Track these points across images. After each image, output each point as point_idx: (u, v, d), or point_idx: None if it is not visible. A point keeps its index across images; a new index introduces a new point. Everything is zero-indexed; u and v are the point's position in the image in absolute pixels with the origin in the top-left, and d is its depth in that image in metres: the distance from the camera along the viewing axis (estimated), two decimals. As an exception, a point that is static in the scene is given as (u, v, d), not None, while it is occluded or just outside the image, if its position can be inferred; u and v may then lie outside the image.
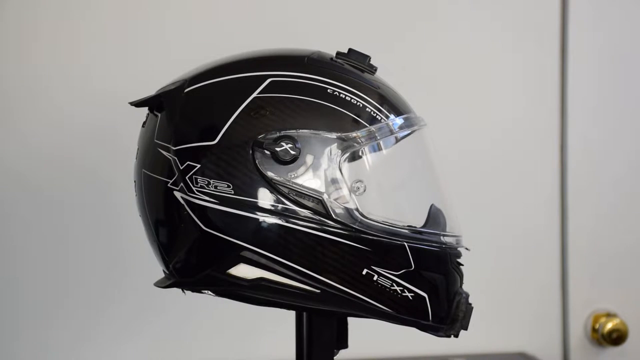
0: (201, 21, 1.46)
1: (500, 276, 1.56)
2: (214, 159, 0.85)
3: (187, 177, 0.85)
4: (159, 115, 0.90)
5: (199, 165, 0.85)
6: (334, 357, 0.95)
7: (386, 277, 0.86)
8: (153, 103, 0.91)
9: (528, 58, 1.57)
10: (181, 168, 0.86)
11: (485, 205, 1.54)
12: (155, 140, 0.89)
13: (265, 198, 0.84)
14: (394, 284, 0.86)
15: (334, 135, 0.85)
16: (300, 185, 0.84)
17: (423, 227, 0.91)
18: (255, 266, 0.85)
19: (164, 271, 0.93)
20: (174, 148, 0.87)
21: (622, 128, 1.59)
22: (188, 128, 0.87)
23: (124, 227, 1.39)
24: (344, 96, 0.87)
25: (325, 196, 0.84)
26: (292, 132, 0.84)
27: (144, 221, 0.93)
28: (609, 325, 1.56)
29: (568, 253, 1.58)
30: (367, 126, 0.87)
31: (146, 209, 0.91)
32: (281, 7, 1.48)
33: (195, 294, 0.91)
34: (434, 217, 0.92)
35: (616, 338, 1.56)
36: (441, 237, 0.90)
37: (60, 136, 1.41)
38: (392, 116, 0.89)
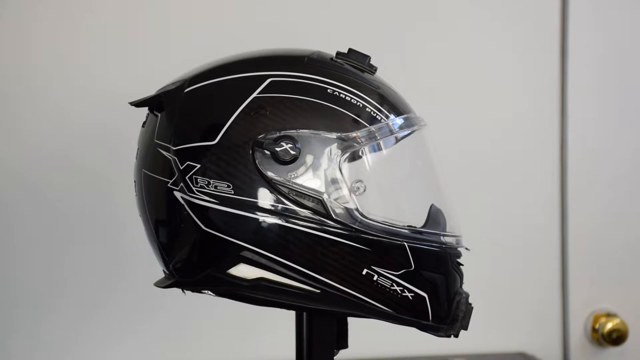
0: (201, 21, 1.46)
1: (500, 276, 1.56)
2: (214, 159, 0.85)
3: (187, 177, 0.85)
4: (159, 115, 0.90)
5: (199, 165, 0.85)
6: (334, 357, 0.95)
7: (386, 277, 0.86)
8: (153, 103, 0.91)
9: (528, 58, 1.57)
10: (181, 168, 0.86)
11: (485, 205, 1.54)
12: (155, 140, 0.89)
13: (265, 198, 0.84)
14: (394, 284, 0.86)
15: (334, 135, 0.85)
16: (300, 185, 0.84)
17: (423, 227, 0.91)
18: (255, 266, 0.85)
19: (164, 271, 0.93)
20: (174, 148, 0.87)
21: (622, 128, 1.59)
22: (188, 128, 0.87)
23: (124, 227, 1.39)
24: (344, 96, 0.87)
25: (325, 196, 0.84)
26: (292, 132, 0.84)
27: (144, 221, 0.93)
28: (609, 325, 1.56)
29: (568, 253, 1.58)
30: (367, 126, 0.87)
31: (146, 209, 0.91)
32: (281, 7, 1.48)
33: (195, 294, 0.91)
34: (434, 217, 0.92)
35: (616, 338, 1.56)
36: (441, 237, 0.90)
37: (60, 136, 1.41)
38: (392, 116, 0.89)
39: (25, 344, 1.43)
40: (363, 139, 0.86)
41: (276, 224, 0.84)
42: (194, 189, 0.85)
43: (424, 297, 0.88)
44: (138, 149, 0.93)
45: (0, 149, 1.41)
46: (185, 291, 0.91)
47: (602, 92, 1.58)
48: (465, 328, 0.91)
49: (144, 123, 0.94)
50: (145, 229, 0.93)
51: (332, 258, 0.85)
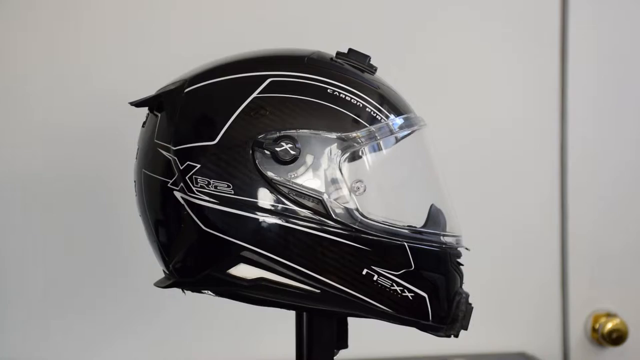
0: (201, 21, 1.46)
1: (500, 276, 1.56)
2: (214, 158, 0.85)
3: (187, 177, 0.85)
4: (159, 115, 0.90)
5: (199, 165, 0.85)
6: (334, 357, 0.95)
7: (386, 277, 0.86)
8: (153, 103, 0.91)
9: (528, 58, 1.57)
10: (181, 168, 0.86)
11: (485, 205, 1.54)
12: (155, 140, 0.89)
13: (265, 198, 0.84)
14: (394, 284, 0.86)
15: (334, 135, 0.85)
16: (300, 185, 0.84)
17: (423, 227, 0.91)
18: (255, 266, 0.85)
19: (164, 271, 0.93)
20: (174, 148, 0.87)
21: (622, 128, 1.59)
22: (188, 128, 0.87)
23: (124, 227, 1.39)
24: (344, 96, 0.87)
25: (325, 196, 0.84)
26: (292, 132, 0.84)
27: (144, 221, 0.93)
28: (609, 325, 1.56)
29: (568, 253, 1.58)
30: (367, 126, 0.87)
31: (146, 209, 0.91)
32: (281, 7, 1.48)
33: (195, 294, 0.91)
34: (434, 217, 0.92)
35: (616, 338, 1.56)
36: (441, 237, 0.90)
37: (60, 136, 1.41)
38: (392, 116, 0.89)
39: (25, 344, 1.43)
40: (363, 139, 0.86)
41: (276, 224, 0.84)
42: (194, 189, 0.85)
43: (424, 297, 0.88)
44: (138, 149, 0.93)
45: (0, 149, 1.41)
46: (185, 291, 0.91)
47: (602, 92, 1.58)
48: (465, 328, 0.91)
49: (144, 123, 0.94)
50: (145, 229, 0.93)
51: (332, 258, 0.85)
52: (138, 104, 0.92)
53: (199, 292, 0.90)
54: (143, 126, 0.94)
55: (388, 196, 0.91)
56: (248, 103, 0.85)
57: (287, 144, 0.84)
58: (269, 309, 0.89)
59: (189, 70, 0.93)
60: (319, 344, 0.93)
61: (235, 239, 0.85)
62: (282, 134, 0.84)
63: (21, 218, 1.42)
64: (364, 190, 0.86)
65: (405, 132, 0.92)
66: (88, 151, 1.42)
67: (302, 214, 0.84)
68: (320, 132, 0.85)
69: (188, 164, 0.85)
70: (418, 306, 0.87)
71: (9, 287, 1.42)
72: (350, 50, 0.93)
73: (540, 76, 1.57)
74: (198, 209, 0.85)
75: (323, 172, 0.85)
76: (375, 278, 0.85)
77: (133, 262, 1.41)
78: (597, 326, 1.57)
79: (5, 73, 1.41)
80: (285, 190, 0.84)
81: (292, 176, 0.84)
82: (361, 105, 0.87)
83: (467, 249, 0.93)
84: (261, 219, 0.84)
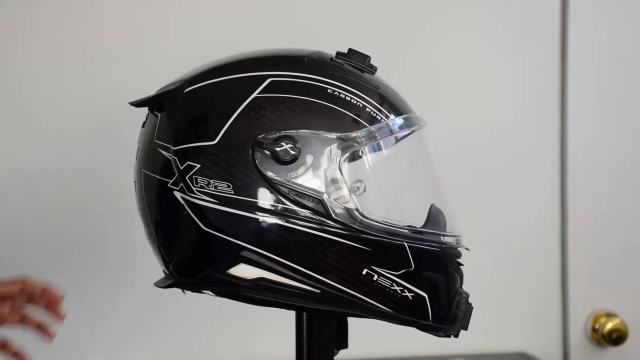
0: (201, 21, 1.46)
1: (500, 276, 1.55)
2: (213, 159, 0.85)
3: (187, 177, 0.85)
4: (159, 115, 0.90)
5: (198, 165, 0.85)
6: (334, 357, 0.95)
7: (386, 277, 0.86)
8: (153, 103, 0.91)
9: (528, 58, 1.57)
10: (181, 168, 0.86)
11: (485, 205, 1.54)
12: (155, 140, 0.89)
13: (265, 198, 0.84)
14: (394, 284, 0.86)
15: (334, 135, 0.85)
16: (300, 185, 0.84)
17: (423, 227, 0.91)
18: (255, 266, 0.85)
19: (164, 271, 0.93)
20: (174, 148, 0.87)
21: (622, 128, 1.59)
22: (188, 128, 0.87)
23: (124, 227, 1.39)
24: (344, 96, 0.87)
25: (325, 196, 0.84)
26: (292, 132, 0.84)
27: (144, 221, 0.93)
28: (609, 325, 1.55)
29: (568, 253, 1.58)
30: (367, 126, 0.87)
31: (146, 208, 0.91)
32: (281, 7, 1.48)
33: (195, 294, 0.91)
34: (434, 217, 0.92)
35: (616, 338, 1.56)
36: (441, 237, 0.90)
37: (60, 136, 1.41)
38: (392, 116, 0.89)
39: (24, 344, 1.43)
40: (363, 139, 0.86)
41: (276, 224, 0.84)
42: (193, 189, 0.85)
43: (424, 297, 0.88)
44: (138, 149, 0.93)
45: (1, 149, 1.41)
46: (185, 291, 0.91)
47: (602, 92, 1.58)
48: (465, 328, 0.91)
49: (144, 123, 0.94)
50: (145, 229, 0.93)
51: (332, 258, 0.85)
52: (138, 104, 0.92)
53: (199, 292, 0.90)
54: (143, 126, 0.94)
55: (388, 196, 0.91)
56: (248, 103, 0.86)
57: (287, 144, 0.84)
58: (269, 309, 0.89)
59: (189, 70, 0.93)
60: (319, 344, 0.93)
61: (235, 239, 0.85)
62: (282, 134, 0.84)
63: (21, 218, 1.42)
64: (364, 190, 0.87)
65: (405, 132, 0.92)
66: (88, 151, 1.42)
67: (302, 214, 0.84)
68: (320, 132, 0.85)
69: (188, 164, 0.85)
70: (418, 306, 0.88)
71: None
72: (350, 50, 0.93)
73: (540, 76, 1.57)
74: (198, 209, 0.85)
75: (323, 172, 0.85)
76: (375, 278, 0.85)
77: (133, 262, 1.41)
78: (597, 326, 1.57)
79: (5, 73, 1.41)
80: (285, 190, 0.84)
81: (292, 176, 0.84)
82: (361, 105, 0.87)
83: (467, 249, 0.93)
84: (261, 219, 0.84)
